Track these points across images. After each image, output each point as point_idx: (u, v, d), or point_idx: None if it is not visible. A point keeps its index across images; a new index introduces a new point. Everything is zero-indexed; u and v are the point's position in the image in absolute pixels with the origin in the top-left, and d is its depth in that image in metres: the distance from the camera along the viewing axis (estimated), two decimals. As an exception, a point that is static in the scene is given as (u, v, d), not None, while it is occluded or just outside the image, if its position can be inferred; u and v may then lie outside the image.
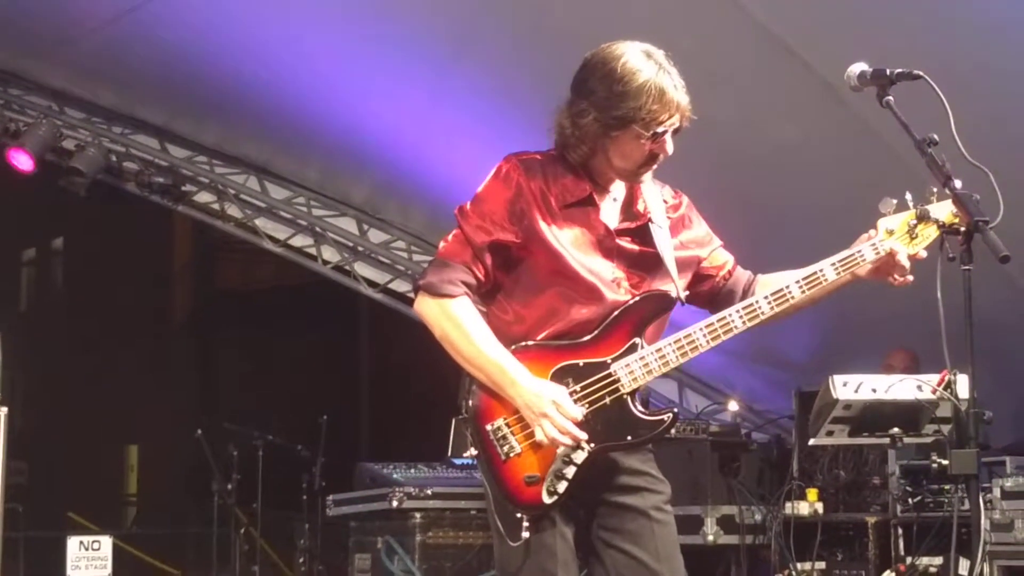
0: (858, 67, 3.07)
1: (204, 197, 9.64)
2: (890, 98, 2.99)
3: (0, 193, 10.64)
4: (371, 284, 9.66)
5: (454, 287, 2.95)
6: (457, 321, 2.93)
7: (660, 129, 2.91)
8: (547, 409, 2.84)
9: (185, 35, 7.61)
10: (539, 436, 2.86)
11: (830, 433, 4.90)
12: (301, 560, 8.41)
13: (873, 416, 4.72)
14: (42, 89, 9.12)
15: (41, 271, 19.62)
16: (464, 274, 2.96)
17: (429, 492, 6.81)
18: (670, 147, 2.97)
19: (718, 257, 3.19)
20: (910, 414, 4.61)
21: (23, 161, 8.82)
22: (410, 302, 9.70)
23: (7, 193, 10.61)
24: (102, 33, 7.74)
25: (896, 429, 4.62)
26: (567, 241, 2.96)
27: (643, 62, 2.91)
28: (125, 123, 9.29)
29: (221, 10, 7.35)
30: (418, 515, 6.74)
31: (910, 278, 3.03)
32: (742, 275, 3.20)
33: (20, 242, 18.78)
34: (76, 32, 7.92)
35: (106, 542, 7.73)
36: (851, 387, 4.70)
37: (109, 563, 7.66)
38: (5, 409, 5.48)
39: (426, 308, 2.98)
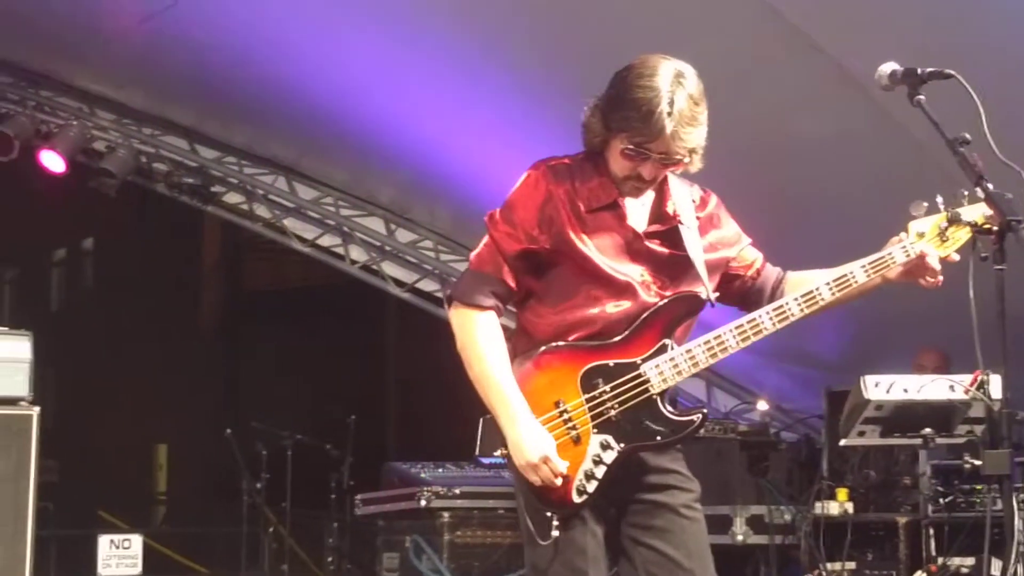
0: (889, 66, 3.04)
1: (233, 198, 9.66)
2: (921, 97, 2.96)
3: (32, 194, 10.72)
4: (399, 284, 9.66)
5: (484, 298, 2.96)
6: (475, 336, 2.95)
7: (642, 150, 2.88)
8: (536, 461, 2.85)
9: (214, 36, 7.64)
10: (530, 478, 2.87)
11: (862, 433, 4.88)
12: (330, 559, 8.42)
13: (905, 416, 4.69)
14: (73, 91, 9.17)
15: (72, 271, 19.74)
16: (495, 284, 2.97)
17: (457, 491, 6.81)
18: (649, 172, 2.93)
19: (747, 256, 3.17)
20: (942, 414, 4.59)
21: (55, 162, 8.89)
22: (437, 301, 9.77)
23: (39, 194, 10.69)
24: (132, 34, 7.78)
25: (928, 430, 4.60)
26: (596, 245, 2.95)
27: (661, 81, 2.85)
28: (155, 124, 9.32)
29: (250, 10, 7.37)
30: (446, 514, 6.75)
31: (940, 278, 3.02)
32: (771, 272, 3.18)
33: (51, 242, 18.92)
34: (106, 33, 7.97)
35: (136, 540, 7.76)
36: (883, 387, 4.68)
37: (139, 561, 7.69)
38: (37, 408, 5.50)
39: (453, 317, 3.01)
